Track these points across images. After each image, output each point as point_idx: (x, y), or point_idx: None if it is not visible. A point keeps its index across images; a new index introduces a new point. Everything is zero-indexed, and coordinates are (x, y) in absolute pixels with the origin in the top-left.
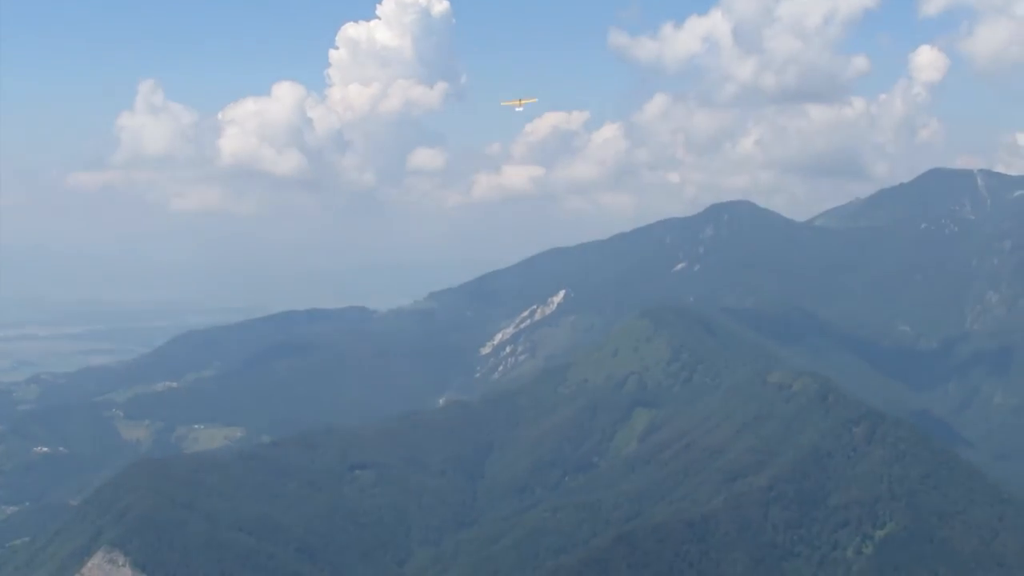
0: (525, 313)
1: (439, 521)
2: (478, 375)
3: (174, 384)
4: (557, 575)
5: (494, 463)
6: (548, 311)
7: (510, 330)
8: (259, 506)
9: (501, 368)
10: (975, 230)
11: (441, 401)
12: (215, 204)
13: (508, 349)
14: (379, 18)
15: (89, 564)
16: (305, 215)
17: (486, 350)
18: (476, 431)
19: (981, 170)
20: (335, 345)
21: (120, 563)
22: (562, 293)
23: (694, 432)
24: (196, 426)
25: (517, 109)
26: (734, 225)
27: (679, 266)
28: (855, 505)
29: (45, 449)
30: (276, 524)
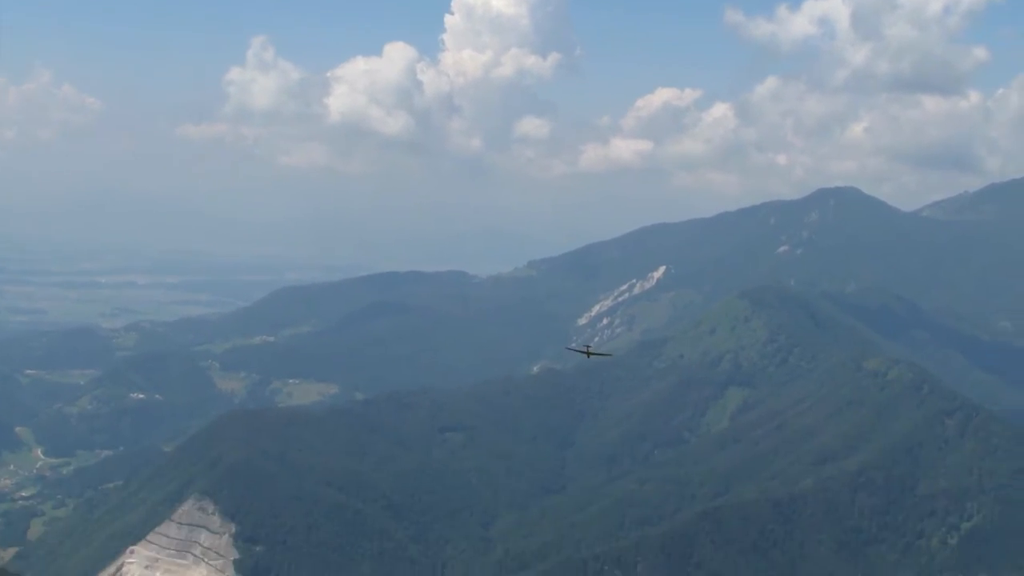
0: (624, 287)
1: (527, 486)
2: (573, 345)
3: (271, 338)
4: (641, 547)
5: (584, 432)
6: (648, 286)
7: (608, 302)
8: (348, 462)
9: (597, 339)
10: None
11: (535, 369)
12: (321, 162)
13: (605, 321)
14: None
15: (180, 510)
16: (410, 177)
17: (583, 321)
18: (568, 400)
19: None
20: (433, 308)
21: (210, 511)
22: (663, 269)
23: (786, 414)
24: (291, 380)
25: (586, 357)
26: (840, 211)
27: (782, 248)
28: (943, 496)
29: (141, 396)
30: (364, 480)
